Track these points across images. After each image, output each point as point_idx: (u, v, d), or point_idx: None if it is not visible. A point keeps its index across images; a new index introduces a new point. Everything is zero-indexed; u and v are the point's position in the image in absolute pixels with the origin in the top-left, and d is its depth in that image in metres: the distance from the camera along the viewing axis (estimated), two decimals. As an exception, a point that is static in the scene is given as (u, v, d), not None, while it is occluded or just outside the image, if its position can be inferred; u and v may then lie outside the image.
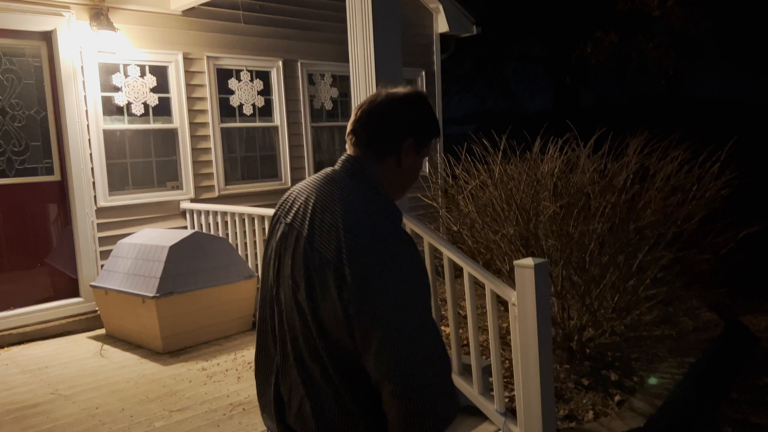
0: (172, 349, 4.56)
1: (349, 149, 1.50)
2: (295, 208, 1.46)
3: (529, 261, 2.86)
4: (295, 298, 1.38)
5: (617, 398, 3.71)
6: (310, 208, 1.41)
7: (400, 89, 1.50)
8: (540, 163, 4.56)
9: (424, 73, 8.17)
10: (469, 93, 21.69)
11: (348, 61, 4.01)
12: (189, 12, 5.88)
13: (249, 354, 4.46)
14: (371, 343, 1.27)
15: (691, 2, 13.24)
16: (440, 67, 8.40)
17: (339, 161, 1.50)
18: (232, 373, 4.10)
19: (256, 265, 5.23)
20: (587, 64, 15.59)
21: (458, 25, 8.30)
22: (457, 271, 3.49)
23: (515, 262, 2.91)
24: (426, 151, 1.53)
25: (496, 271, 4.57)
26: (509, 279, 4.08)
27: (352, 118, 1.51)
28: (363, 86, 3.97)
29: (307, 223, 1.40)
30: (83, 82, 5.30)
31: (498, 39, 17.69)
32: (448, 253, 3.42)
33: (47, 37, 5.19)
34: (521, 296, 2.89)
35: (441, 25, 8.18)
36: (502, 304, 3.46)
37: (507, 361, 4.00)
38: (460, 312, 4.17)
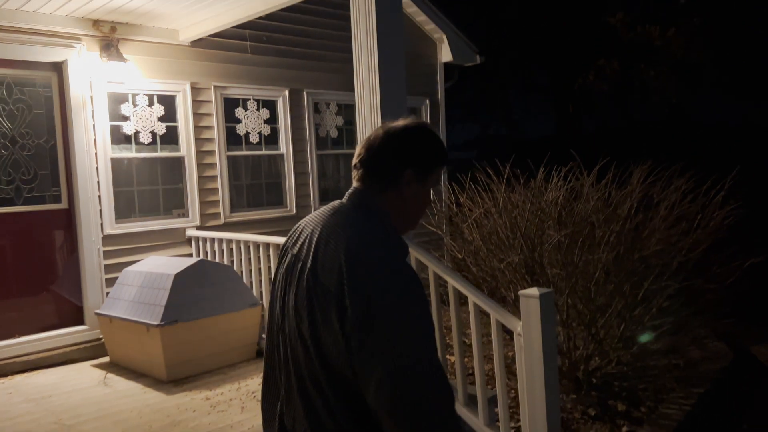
0: (176, 377, 4.55)
1: (354, 182, 1.53)
2: (301, 240, 1.49)
3: (534, 291, 2.86)
4: (298, 330, 1.39)
5: (624, 429, 3.67)
6: (314, 239, 1.43)
7: (400, 122, 1.53)
8: (544, 192, 4.58)
9: (428, 101, 8.26)
10: (472, 120, 21.86)
11: (353, 90, 4.07)
12: (197, 43, 5.98)
13: (253, 383, 4.43)
14: (372, 377, 1.26)
15: (692, 31, 13.40)
16: (444, 96, 8.49)
17: (346, 194, 1.53)
18: (236, 403, 4.07)
19: (261, 292, 5.23)
20: (590, 91, 15.72)
21: (462, 54, 8.41)
22: (462, 299, 3.49)
23: (520, 292, 2.91)
24: (431, 180, 1.54)
25: (501, 298, 4.56)
26: (515, 307, 4.07)
27: (356, 152, 1.54)
28: (368, 115, 4.02)
29: (311, 254, 1.41)
30: (92, 111, 5.38)
31: (500, 67, 17.88)
32: (452, 282, 3.43)
33: (58, 68, 5.28)
34: (527, 326, 2.88)
35: (445, 54, 8.30)
36: (507, 332, 3.45)
37: (513, 391, 3.97)
38: (466, 341, 4.15)
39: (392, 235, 1.46)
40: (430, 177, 1.54)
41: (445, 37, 8.18)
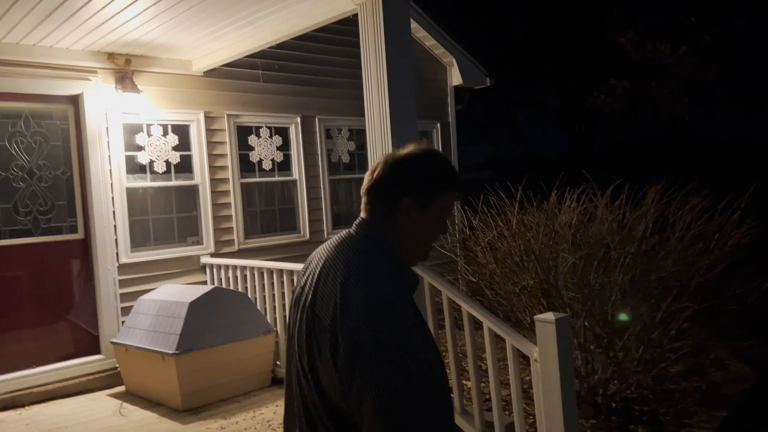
0: (191, 406, 4.53)
1: (361, 211, 1.54)
2: (308, 271, 1.49)
3: (550, 316, 2.83)
4: (300, 363, 1.40)
5: (647, 455, 3.59)
6: (317, 271, 1.43)
7: (406, 149, 1.51)
8: (557, 213, 4.56)
9: (439, 124, 8.29)
10: (483, 140, 21.93)
11: (364, 115, 4.10)
12: (210, 72, 6.08)
13: (268, 411, 4.41)
14: (364, 412, 1.25)
15: (702, 49, 13.39)
16: (455, 119, 8.52)
17: (354, 224, 1.53)
18: (252, 432, 4.05)
19: (275, 318, 5.23)
20: (600, 110, 15.72)
21: (472, 77, 8.46)
22: (477, 324, 3.46)
23: (536, 317, 2.89)
24: (436, 209, 1.48)
25: (517, 322, 4.52)
26: (531, 330, 4.03)
27: (364, 180, 1.55)
28: (378, 140, 4.05)
29: (313, 286, 1.42)
30: (108, 142, 5.46)
31: (511, 88, 17.97)
32: (466, 308, 3.40)
33: (74, 101, 5.38)
34: (543, 352, 2.85)
35: (455, 78, 8.35)
36: (524, 357, 3.41)
37: (531, 417, 3.91)
38: (482, 365, 4.11)
39: (396, 267, 1.43)
40: (434, 205, 1.48)
41: (454, 61, 8.24)
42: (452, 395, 3.57)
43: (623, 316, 3.89)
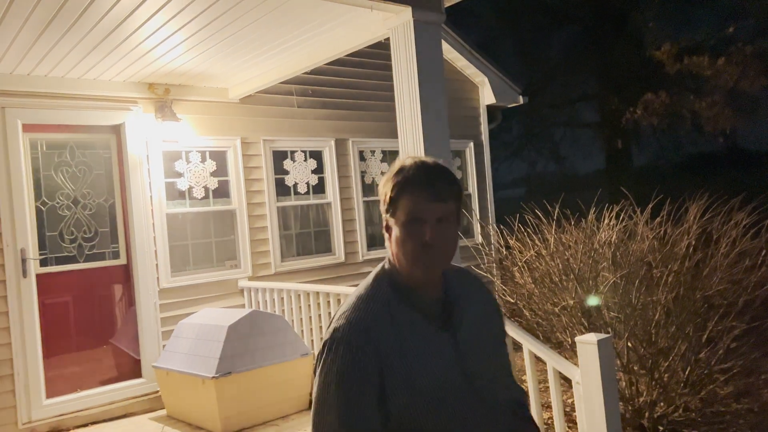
0: (230, 430, 4.55)
1: None
2: None
3: (591, 337, 2.77)
4: None
5: (698, 482, 3.44)
6: None
7: None
8: (596, 231, 4.47)
9: (472, 144, 8.28)
10: (517, 158, 21.77)
11: (397, 137, 4.12)
12: (246, 99, 6.21)
13: (306, 435, 4.40)
14: None
15: (743, 60, 13.08)
16: (488, 138, 8.50)
17: None
18: (290, 456, 4.04)
19: (312, 341, 5.24)
20: (638, 125, 15.46)
21: (504, 96, 8.44)
22: (516, 345, 3.40)
23: (577, 339, 2.82)
24: (400, 211, 1.43)
25: (558, 343, 4.43)
26: (572, 351, 3.94)
27: None
28: (413, 163, 4.04)
29: None
30: (148, 170, 5.61)
31: (545, 104, 17.85)
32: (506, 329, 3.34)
33: (116, 130, 5.56)
34: (585, 374, 2.77)
35: (487, 97, 8.34)
36: (565, 379, 3.33)
37: (574, 441, 3.80)
38: (522, 388, 4.02)
39: (396, 289, 1.48)
40: (399, 208, 1.44)
41: (486, 80, 8.25)
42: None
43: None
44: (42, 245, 5.14)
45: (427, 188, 1.42)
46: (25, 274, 4.91)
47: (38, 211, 5.14)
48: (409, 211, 1.42)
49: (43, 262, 5.13)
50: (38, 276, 5.04)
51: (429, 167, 1.46)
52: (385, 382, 1.37)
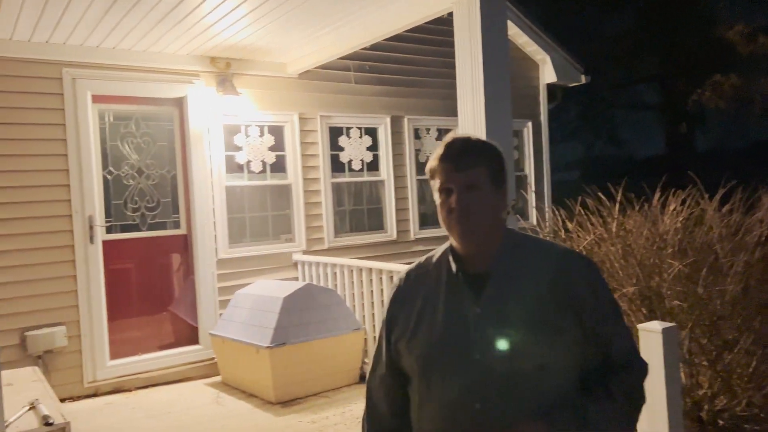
0: (283, 399, 4.66)
1: None
2: None
3: (655, 325, 2.68)
4: None
5: (760, 479, 3.32)
6: None
7: None
8: (660, 216, 4.31)
9: (530, 123, 8.10)
10: (575, 140, 21.21)
11: (453, 115, 4.06)
12: (304, 74, 6.23)
13: (357, 408, 4.46)
14: None
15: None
16: (547, 117, 8.29)
17: None
18: (342, 428, 4.11)
19: (363, 316, 5.28)
20: (704, 108, 14.80)
21: (566, 74, 8.20)
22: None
23: (639, 326, 2.74)
24: (438, 189, 1.53)
25: (614, 330, 4.31)
26: (629, 340, 3.83)
27: None
28: (472, 141, 3.97)
29: None
30: (209, 142, 5.72)
31: (606, 85, 17.25)
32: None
33: (179, 103, 5.68)
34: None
35: (548, 75, 8.12)
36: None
37: (629, 430, 3.72)
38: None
39: (453, 254, 1.57)
40: (436, 185, 1.55)
41: (548, 58, 8.02)
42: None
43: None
44: (107, 213, 5.33)
45: (453, 159, 1.50)
46: (92, 240, 5.12)
47: (105, 180, 5.33)
48: (440, 183, 1.52)
49: (108, 230, 5.33)
50: (104, 242, 5.24)
51: (458, 140, 1.54)
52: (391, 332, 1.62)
